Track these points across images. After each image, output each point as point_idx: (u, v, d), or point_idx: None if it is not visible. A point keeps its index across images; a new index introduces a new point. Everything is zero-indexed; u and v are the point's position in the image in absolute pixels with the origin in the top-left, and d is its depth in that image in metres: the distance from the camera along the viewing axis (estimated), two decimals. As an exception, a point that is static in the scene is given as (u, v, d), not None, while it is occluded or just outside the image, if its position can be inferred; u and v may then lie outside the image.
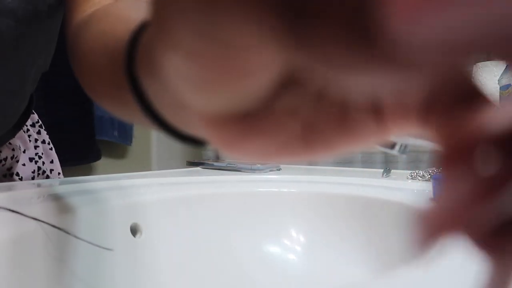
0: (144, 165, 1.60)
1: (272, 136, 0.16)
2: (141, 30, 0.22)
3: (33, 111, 0.66)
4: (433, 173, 0.63)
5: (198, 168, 0.86)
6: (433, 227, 0.09)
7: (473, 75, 0.13)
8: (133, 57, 0.21)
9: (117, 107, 0.28)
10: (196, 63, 0.12)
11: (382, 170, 0.72)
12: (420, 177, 0.64)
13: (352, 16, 0.08)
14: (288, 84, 0.15)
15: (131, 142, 1.59)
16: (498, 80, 0.71)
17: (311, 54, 0.09)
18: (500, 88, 0.71)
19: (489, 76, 0.83)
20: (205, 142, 0.19)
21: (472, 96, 0.12)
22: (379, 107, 0.15)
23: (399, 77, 0.08)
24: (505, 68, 0.71)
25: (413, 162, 1.19)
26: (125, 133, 1.52)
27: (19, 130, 0.61)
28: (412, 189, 0.56)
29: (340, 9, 0.08)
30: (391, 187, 0.57)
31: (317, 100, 0.15)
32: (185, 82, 0.14)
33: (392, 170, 0.73)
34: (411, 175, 0.66)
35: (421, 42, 0.07)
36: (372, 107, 0.15)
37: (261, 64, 0.12)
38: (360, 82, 0.09)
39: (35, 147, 0.66)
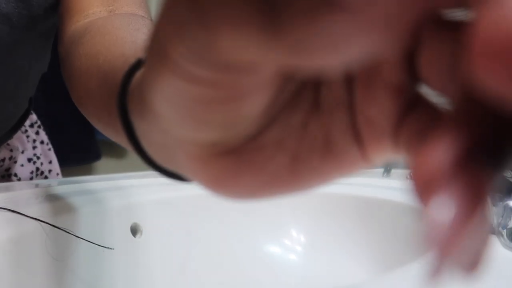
0: (144, 165, 1.60)
1: (260, 169, 0.16)
2: (136, 66, 0.21)
3: (32, 111, 0.66)
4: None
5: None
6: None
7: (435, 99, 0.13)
8: (127, 92, 0.21)
9: (106, 129, 0.27)
10: (193, 84, 0.13)
11: (382, 169, 0.72)
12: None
13: None
14: (274, 111, 0.15)
15: (131, 142, 1.59)
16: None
17: (291, 42, 0.10)
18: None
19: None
20: (190, 179, 0.19)
21: (435, 118, 0.13)
22: (359, 134, 0.15)
23: (360, 33, 0.09)
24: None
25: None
26: (125, 133, 1.52)
27: (16, 132, 0.61)
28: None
29: None
30: (391, 187, 0.57)
31: (302, 131, 0.15)
32: (180, 111, 0.14)
33: (392, 170, 0.73)
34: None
35: None
36: (354, 135, 0.15)
37: (253, 78, 0.12)
38: (334, 59, 0.10)
39: (34, 147, 0.65)
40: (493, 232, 0.33)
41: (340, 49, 0.10)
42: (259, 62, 0.11)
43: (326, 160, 0.15)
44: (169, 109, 0.14)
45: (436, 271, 0.09)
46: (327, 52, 0.10)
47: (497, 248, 0.30)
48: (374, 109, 0.14)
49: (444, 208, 0.09)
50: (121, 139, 0.23)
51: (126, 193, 0.49)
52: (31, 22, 0.46)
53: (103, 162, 1.51)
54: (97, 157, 1.48)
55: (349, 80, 0.15)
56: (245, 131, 0.15)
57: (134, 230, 0.48)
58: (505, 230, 0.31)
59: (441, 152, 0.09)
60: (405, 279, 0.25)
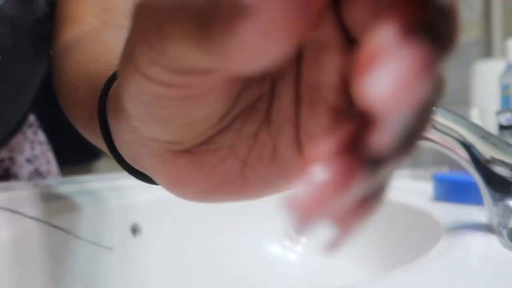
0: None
1: (211, 171, 0.18)
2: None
3: (32, 111, 0.66)
4: (433, 173, 0.63)
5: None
6: (304, 211, 0.12)
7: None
8: (107, 96, 0.22)
9: (88, 134, 0.29)
10: (151, 84, 0.15)
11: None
12: (420, 177, 0.64)
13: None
14: (227, 120, 0.17)
15: (131, 142, 1.59)
16: (499, 79, 0.71)
17: (220, 51, 0.12)
18: (501, 87, 0.71)
19: (489, 75, 0.83)
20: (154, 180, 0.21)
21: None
22: (302, 147, 0.17)
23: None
24: (506, 68, 0.71)
25: (413, 162, 1.19)
26: (125, 133, 1.52)
27: (17, 133, 0.61)
28: (412, 189, 0.56)
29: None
30: (391, 187, 0.57)
31: (252, 140, 0.18)
32: (141, 107, 0.16)
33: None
34: (411, 175, 0.66)
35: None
36: (298, 148, 0.17)
37: (201, 80, 0.14)
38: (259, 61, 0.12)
39: (32, 148, 0.65)
40: (493, 232, 0.33)
41: (257, 52, 0.11)
42: (201, 67, 0.13)
43: (272, 168, 0.18)
44: (134, 106, 0.16)
45: (298, 229, 0.12)
46: (248, 56, 0.11)
47: (497, 248, 0.30)
48: (316, 127, 0.17)
49: (312, 181, 0.11)
50: (100, 143, 0.25)
51: (126, 193, 0.49)
52: (33, 25, 0.46)
53: (103, 162, 1.51)
54: (97, 157, 1.48)
55: (298, 100, 0.17)
56: (200, 132, 0.17)
57: (134, 230, 0.48)
58: (505, 230, 0.31)
59: (326, 145, 0.12)
60: (405, 279, 0.25)
